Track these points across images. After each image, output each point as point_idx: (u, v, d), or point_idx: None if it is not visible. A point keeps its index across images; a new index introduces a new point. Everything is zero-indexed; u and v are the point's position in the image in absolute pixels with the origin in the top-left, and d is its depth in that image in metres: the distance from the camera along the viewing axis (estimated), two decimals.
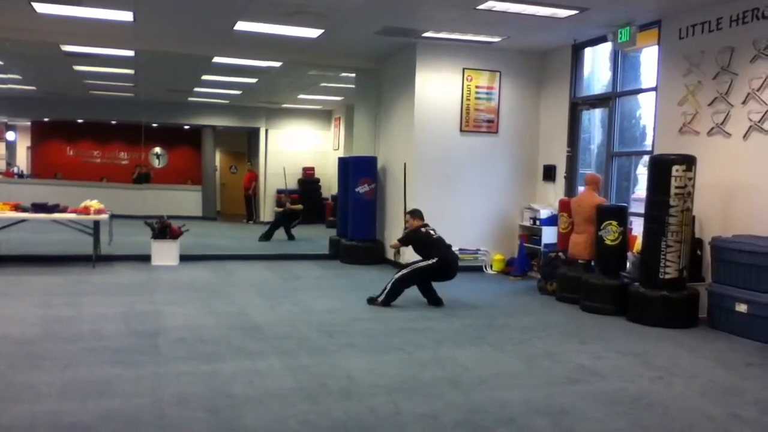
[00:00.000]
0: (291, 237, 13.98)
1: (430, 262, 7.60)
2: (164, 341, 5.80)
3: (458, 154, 10.20)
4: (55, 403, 4.22)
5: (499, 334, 6.47)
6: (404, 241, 7.98)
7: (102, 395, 4.38)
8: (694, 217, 7.18)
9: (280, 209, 14.40)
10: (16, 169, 22.24)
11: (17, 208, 9.71)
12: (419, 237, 7.82)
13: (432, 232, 7.82)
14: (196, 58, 11.82)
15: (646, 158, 8.46)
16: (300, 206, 14.37)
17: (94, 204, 9.88)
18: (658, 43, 8.14)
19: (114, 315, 6.73)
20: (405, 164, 10.05)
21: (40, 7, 8.51)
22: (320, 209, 18.22)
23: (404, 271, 7.66)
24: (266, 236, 13.71)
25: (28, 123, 22.31)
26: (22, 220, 9.84)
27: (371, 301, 7.67)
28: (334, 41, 9.97)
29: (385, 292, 7.60)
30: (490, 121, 10.40)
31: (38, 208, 9.80)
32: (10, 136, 23.56)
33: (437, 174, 10.18)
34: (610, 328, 6.87)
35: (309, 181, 19.34)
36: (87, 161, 22.32)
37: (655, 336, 6.55)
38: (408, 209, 8.60)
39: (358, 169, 11.15)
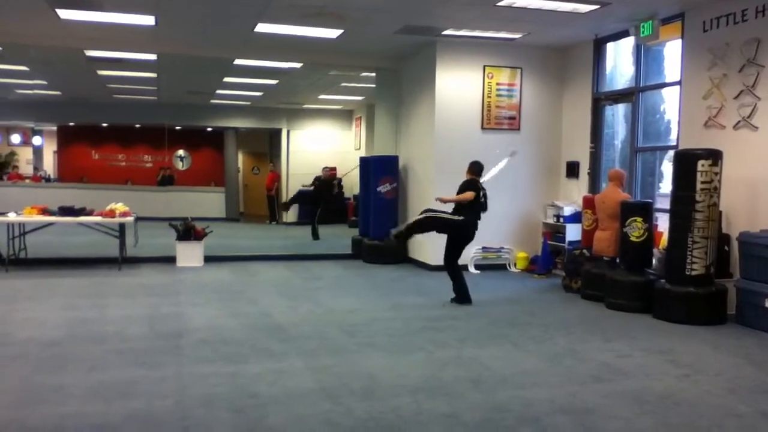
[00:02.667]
0: (316, 236, 14.09)
1: (455, 218, 7.54)
2: (188, 342, 5.84)
3: (480, 151, 10.07)
4: (80, 405, 4.27)
5: (522, 333, 6.42)
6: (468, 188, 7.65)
7: (127, 396, 4.43)
8: (720, 212, 7.06)
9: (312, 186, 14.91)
10: (42, 173, 22.59)
11: (44, 211, 9.86)
12: (477, 188, 7.60)
13: (482, 190, 7.66)
14: (218, 61, 11.90)
15: (670, 153, 8.34)
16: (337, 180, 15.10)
17: (119, 207, 10.01)
18: (682, 37, 8.02)
19: (138, 316, 6.81)
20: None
21: (63, 14, 8.61)
22: (342, 209, 18.26)
23: (428, 214, 7.63)
24: (314, 234, 14.19)
25: (54, 127, 22.63)
26: (50, 224, 9.98)
27: (398, 235, 7.80)
28: (354, 41, 9.97)
29: (406, 224, 7.62)
30: (511, 118, 10.33)
31: (65, 211, 9.95)
32: (36, 140, 23.94)
33: (459, 172, 10.09)
34: (636, 325, 6.78)
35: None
36: (112, 164, 22.56)
37: (682, 333, 6.46)
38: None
39: (379, 169, 11.15)
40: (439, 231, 7.74)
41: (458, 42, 9.84)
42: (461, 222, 7.53)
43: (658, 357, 5.63)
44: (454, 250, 7.74)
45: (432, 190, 9.98)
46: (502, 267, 10.32)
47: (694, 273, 6.84)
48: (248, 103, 18.62)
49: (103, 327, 6.36)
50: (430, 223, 7.64)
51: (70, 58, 12.05)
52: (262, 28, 9.16)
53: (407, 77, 11.29)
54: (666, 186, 8.81)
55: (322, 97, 16.97)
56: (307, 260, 11.28)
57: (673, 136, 8.40)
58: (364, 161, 12.05)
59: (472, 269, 9.97)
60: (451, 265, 7.72)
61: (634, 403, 4.46)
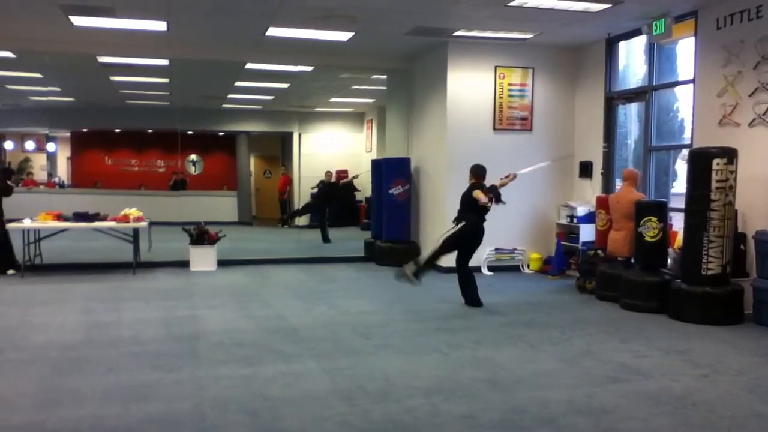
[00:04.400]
0: (326, 239, 14.08)
1: (457, 227, 7.50)
2: (203, 345, 5.86)
3: (492, 152, 10.05)
4: (97, 407, 4.30)
5: (538, 334, 6.38)
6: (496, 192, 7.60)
7: (143, 399, 4.45)
8: (736, 211, 7.01)
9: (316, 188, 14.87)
10: (57, 179, 22.74)
11: (59, 217, 9.92)
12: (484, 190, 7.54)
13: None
14: (230, 65, 11.96)
15: (684, 152, 8.29)
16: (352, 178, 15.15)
17: (133, 212, 10.06)
18: (695, 34, 7.97)
19: (154, 320, 6.83)
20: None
21: (76, 20, 8.68)
22: (352, 211, 18.27)
23: (442, 239, 7.60)
24: (324, 238, 14.16)
25: (68, 134, 22.80)
26: (64, 230, 10.05)
27: (416, 273, 7.52)
28: (365, 43, 9.97)
29: (424, 260, 7.55)
30: (523, 118, 10.30)
31: (79, 217, 10.00)
32: (50, 147, 24.10)
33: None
34: (652, 325, 6.73)
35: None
36: (125, 170, 22.67)
37: (699, 333, 6.40)
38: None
39: (391, 171, 11.13)
40: (454, 248, 7.71)
41: (469, 43, 9.82)
42: (465, 226, 7.49)
43: (675, 357, 5.59)
44: (464, 254, 7.72)
45: (444, 191, 9.98)
46: (516, 268, 10.28)
47: (710, 272, 6.78)
48: (260, 107, 18.68)
49: (119, 331, 6.39)
50: (447, 246, 7.62)
51: (83, 64, 12.13)
52: (273, 31, 9.19)
53: (418, 79, 11.28)
54: (680, 185, 8.74)
55: (333, 99, 16.99)
56: (320, 263, 11.29)
57: (687, 134, 8.35)
58: (375, 163, 12.05)
59: (485, 271, 9.94)
60: (461, 267, 7.71)
61: (652, 404, 4.43)
